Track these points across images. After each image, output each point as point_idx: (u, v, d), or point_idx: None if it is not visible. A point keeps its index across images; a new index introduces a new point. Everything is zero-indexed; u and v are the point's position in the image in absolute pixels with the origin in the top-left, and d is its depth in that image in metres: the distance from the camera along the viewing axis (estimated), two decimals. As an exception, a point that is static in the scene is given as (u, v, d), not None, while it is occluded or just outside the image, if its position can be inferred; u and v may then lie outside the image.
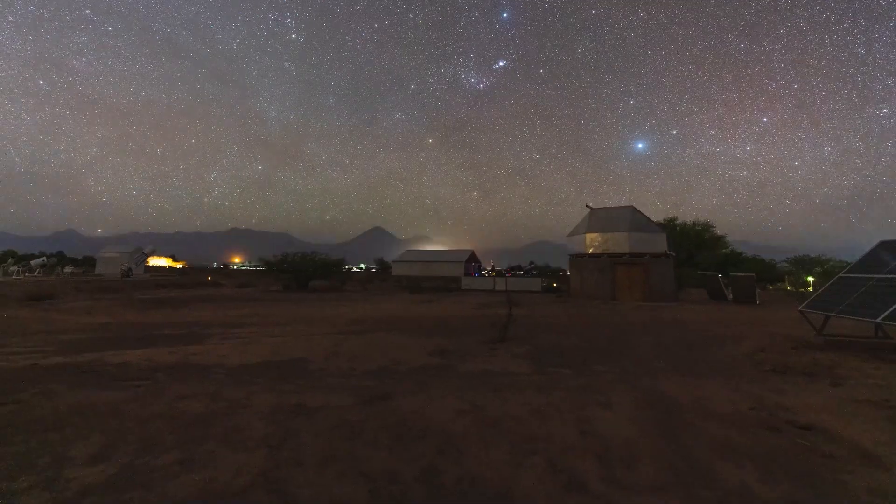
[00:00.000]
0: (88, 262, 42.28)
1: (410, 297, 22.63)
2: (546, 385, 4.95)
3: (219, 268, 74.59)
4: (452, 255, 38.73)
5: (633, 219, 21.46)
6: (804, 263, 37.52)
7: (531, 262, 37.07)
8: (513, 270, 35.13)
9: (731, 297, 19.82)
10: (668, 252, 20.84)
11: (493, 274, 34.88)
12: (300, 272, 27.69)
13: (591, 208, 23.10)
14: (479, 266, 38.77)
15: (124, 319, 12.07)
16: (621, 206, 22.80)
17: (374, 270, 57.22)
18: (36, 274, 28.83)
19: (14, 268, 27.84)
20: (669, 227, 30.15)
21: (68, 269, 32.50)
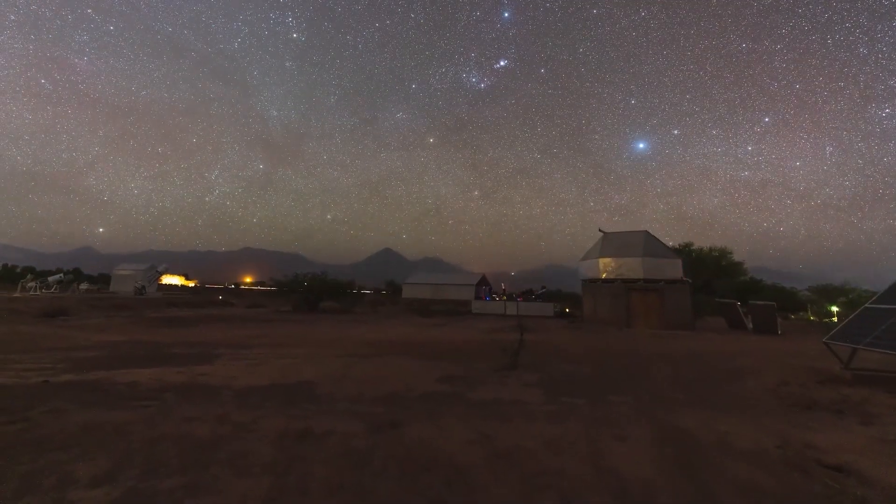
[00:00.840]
0: (104, 279, 43.20)
1: (420, 321, 22.46)
2: (558, 416, 4.79)
3: (231, 287, 75.47)
4: (463, 278, 38.66)
5: (647, 244, 21.19)
6: (827, 292, 36.31)
7: (543, 287, 36.54)
8: (524, 294, 34.74)
9: (751, 326, 19.20)
10: (685, 278, 20.42)
11: (504, 298, 34.47)
12: (311, 293, 27.80)
13: (603, 233, 22.93)
14: (490, 289, 38.52)
15: (135, 338, 12.19)
16: (635, 231, 22.58)
17: (383, 292, 57.22)
18: (52, 290, 29.44)
19: (32, 284, 28.49)
20: (685, 252, 29.63)
21: (84, 286, 33.15)
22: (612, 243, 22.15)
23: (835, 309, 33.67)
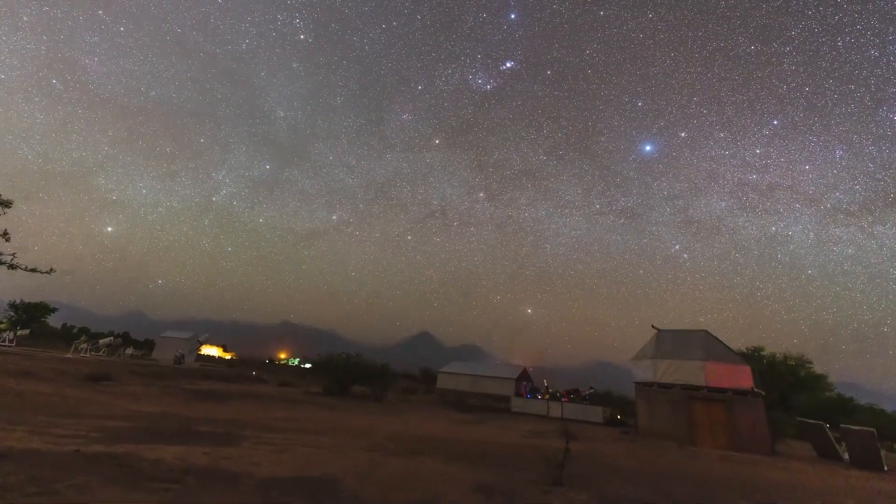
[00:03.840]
0: (148, 345, 45.37)
1: (455, 415, 20.89)
2: (623, 557, 3.93)
3: (266, 362, 76.10)
4: (502, 370, 36.49)
5: (707, 344, 19.15)
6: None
7: (591, 388, 33.43)
8: (570, 394, 31.74)
9: (846, 456, 16.02)
10: (756, 390, 17.89)
11: (547, 396, 31.69)
12: (343, 373, 27.07)
13: (657, 329, 21.25)
14: (531, 386, 35.81)
15: (168, 410, 12.17)
16: (693, 330, 20.63)
17: (417, 378, 55.08)
18: (101, 353, 30.75)
19: (84, 345, 29.98)
20: (753, 358, 26.20)
21: (129, 351, 34.60)
22: (667, 342, 20.35)
23: (955, 443, 27.61)
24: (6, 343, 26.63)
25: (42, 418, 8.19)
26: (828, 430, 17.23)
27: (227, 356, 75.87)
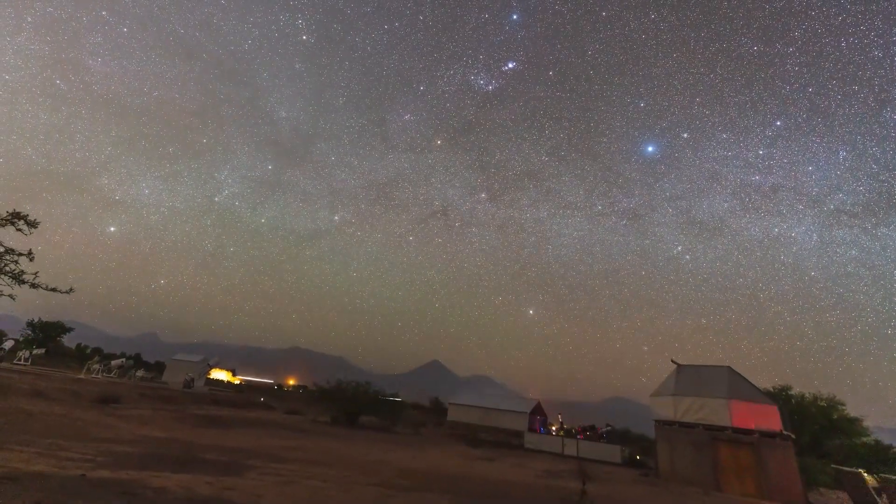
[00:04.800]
0: (159, 368, 45.26)
1: (466, 450, 20.04)
2: None
3: (274, 387, 75.24)
4: (515, 403, 35.21)
5: (731, 382, 18.19)
6: None
7: (608, 425, 31.91)
8: (586, 431, 30.18)
9: (889, 509, 14.76)
10: (785, 432, 16.80)
11: (562, 433, 30.30)
12: (351, 403, 26.42)
13: (677, 364, 20.39)
14: (545, 420, 34.36)
15: (175, 435, 11.97)
16: (715, 366, 19.71)
17: (427, 409, 53.58)
18: (112, 375, 30.77)
19: (96, 366, 30.07)
20: (781, 397, 24.67)
21: (140, 373, 34.49)
22: (688, 378, 19.44)
23: None
24: (21, 362, 26.90)
25: (50, 440, 8.11)
26: (866, 479, 16.00)
27: (236, 381, 75.29)
